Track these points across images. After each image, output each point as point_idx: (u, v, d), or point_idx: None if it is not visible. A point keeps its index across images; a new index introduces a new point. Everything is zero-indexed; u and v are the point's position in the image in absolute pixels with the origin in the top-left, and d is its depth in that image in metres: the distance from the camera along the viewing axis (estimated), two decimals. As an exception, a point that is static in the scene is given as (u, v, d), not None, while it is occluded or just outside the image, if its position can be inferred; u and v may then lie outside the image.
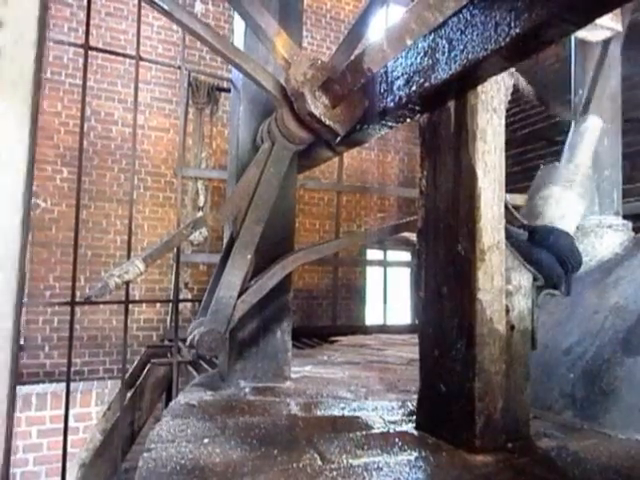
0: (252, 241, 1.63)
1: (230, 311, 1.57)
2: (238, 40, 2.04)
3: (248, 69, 1.56)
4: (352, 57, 1.31)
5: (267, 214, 1.67)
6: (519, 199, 4.01)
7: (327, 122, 1.48)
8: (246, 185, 1.66)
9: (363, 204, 6.84)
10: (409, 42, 1.15)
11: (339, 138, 1.57)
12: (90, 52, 2.29)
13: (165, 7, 1.38)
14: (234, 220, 1.72)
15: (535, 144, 5.37)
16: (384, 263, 4.63)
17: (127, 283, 1.53)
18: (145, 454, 1.17)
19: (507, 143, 1.33)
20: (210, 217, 1.68)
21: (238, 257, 1.61)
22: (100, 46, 4.82)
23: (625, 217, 2.20)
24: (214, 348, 1.51)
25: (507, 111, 1.38)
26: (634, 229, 2.14)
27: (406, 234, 5.10)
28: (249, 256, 1.62)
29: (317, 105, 1.45)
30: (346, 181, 5.62)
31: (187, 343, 1.55)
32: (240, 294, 1.62)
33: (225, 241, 1.98)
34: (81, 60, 1.93)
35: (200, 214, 5.38)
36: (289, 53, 1.49)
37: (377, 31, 2.20)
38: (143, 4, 1.72)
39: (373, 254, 6.48)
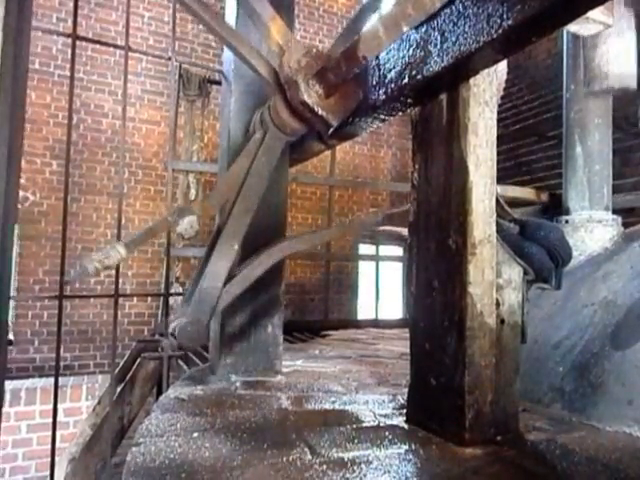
0: (239, 231, 1.57)
1: (214, 302, 1.52)
2: (229, 23, 2.00)
3: (243, 52, 1.50)
4: (347, 44, 1.28)
5: (256, 204, 1.61)
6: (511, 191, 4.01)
7: (320, 112, 1.43)
8: (235, 175, 1.60)
9: (355, 199, 6.83)
10: (405, 28, 1.13)
11: (331, 130, 1.54)
12: (79, 43, 2.25)
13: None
14: (221, 210, 1.67)
15: (527, 140, 5.38)
16: (376, 258, 4.63)
17: (107, 268, 1.42)
18: (134, 448, 1.16)
19: (499, 138, 1.32)
20: (197, 205, 1.63)
21: (224, 247, 1.53)
22: (90, 37, 4.74)
23: (615, 212, 2.22)
24: (195, 339, 1.46)
25: (499, 106, 1.37)
26: (624, 224, 2.16)
27: (398, 229, 5.10)
28: (236, 246, 1.56)
29: (310, 94, 1.41)
30: (338, 175, 5.60)
31: (169, 332, 1.49)
32: (225, 284, 1.56)
33: (216, 234, 1.97)
34: (70, 51, 1.90)
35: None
36: (284, 39, 1.44)
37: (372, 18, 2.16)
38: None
39: (365, 249, 6.49)
